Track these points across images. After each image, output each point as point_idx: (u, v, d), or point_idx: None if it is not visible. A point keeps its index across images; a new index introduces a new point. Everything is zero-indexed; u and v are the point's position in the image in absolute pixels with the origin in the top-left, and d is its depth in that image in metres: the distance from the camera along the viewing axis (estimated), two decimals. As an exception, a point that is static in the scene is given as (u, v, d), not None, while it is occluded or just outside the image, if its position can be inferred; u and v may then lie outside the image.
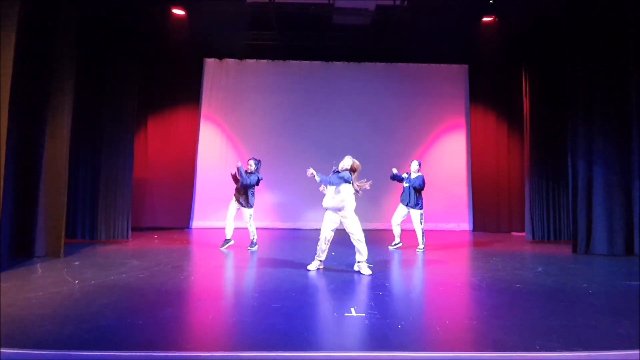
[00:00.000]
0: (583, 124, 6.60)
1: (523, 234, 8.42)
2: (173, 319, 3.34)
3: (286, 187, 9.53)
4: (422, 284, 4.99)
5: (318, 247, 5.17)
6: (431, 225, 9.24)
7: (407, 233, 7.30)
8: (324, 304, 3.93)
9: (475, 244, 7.74)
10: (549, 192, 7.99)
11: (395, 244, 6.99)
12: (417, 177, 6.84)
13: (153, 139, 9.10)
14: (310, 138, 9.60)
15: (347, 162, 5.10)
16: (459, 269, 5.67)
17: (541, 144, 7.94)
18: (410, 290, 4.62)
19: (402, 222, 7.00)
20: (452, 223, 9.66)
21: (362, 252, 5.02)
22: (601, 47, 6.52)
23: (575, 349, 2.76)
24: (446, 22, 8.13)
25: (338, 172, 5.08)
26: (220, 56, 9.71)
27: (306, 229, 9.17)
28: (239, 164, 6.42)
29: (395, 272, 5.44)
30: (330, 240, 5.16)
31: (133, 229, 7.45)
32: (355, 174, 5.09)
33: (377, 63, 9.90)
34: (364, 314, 3.46)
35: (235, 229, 6.60)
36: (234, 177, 6.53)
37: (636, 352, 2.73)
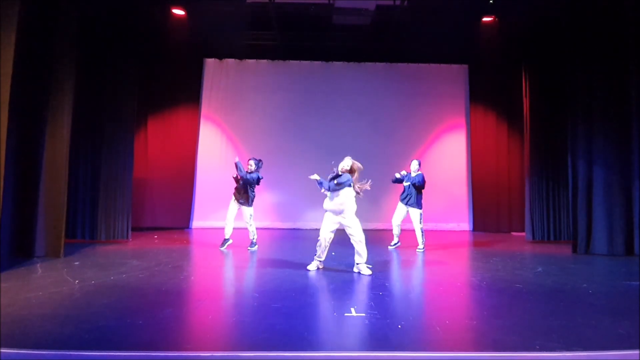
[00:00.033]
0: (583, 124, 6.59)
1: (523, 234, 8.42)
2: (173, 319, 3.34)
3: (286, 187, 9.53)
4: (422, 284, 4.99)
5: (317, 248, 5.17)
6: (431, 225, 9.25)
7: (407, 233, 7.30)
8: (324, 304, 3.93)
9: (475, 244, 7.74)
10: (549, 192, 7.99)
11: (394, 244, 7.00)
12: (417, 175, 6.85)
13: (153, 139, 9.09)
14: (310, 138, 9.60)
15: (346, 163, 5.09)
16: (459, 269, 5.67)
17: (541, 144, 7.94)
18: (410, 290, 4.62)
19: (402, 222, 7.01)
20: (452, 223, 9.66)
21: (361, 255, 5.02)
22: (601, 47, 6.52)
23: (575, 349, 2.76)
24: (446, 22, 8.12)
25: (339, 175, 5.05)
26: (220, 56, 9.70)
27: (306, 229, 9.16)
28: (237, 159, 6.42)
29: (395, 272, 5.45)
30: (330, 241, 5.16)
31: (133, 229, 7.45)
32: (356, 174, 5.08)
33: (377, 63, 9.90)
34: (364, 314, 3.46)
35: (235, 228, 6.60)
36: (236, 179, 6.52)
37: (636, 352, 2.73)
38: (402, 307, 3.87)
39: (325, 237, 5.09)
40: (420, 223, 6.80)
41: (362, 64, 9.89)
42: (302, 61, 9.86)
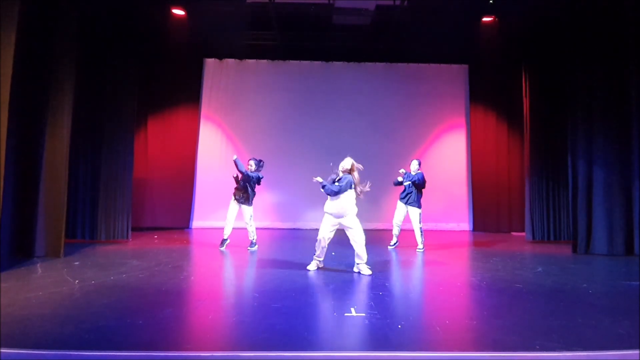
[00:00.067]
0: (583, 124, 6.60)
1: (523, 234, 8.42)
2: (173, 319, 3.34)
3: (286, 187, 9.53)
4: (422, 284, 4.99)
5: (316, 248, 5.16)
6: (431, 225, 9.25)
7: (407, 233, 7.30)
8: (324, 304, 3.93)
9: (475, 244, 7.74)
10: (549, 192, 7.99)
11: (393, 244, 7.01)
12: (417, 173, 6.85)
13: (153, 139, 9.09)
14: (310, 138, 9.60)
15: (347, 163, 5.08)
16: (459, 269, 5.67)
17: (541, 144, 7.94)
18: (410, 290, 4.63)
19: (402, 222, 7.01)
20: (452, 223, 9.66)
21: (361, 256, 5.02)
22: (601, 47, 6.52)
23: (575, 349, 2.76)
24: (446, 22, 8.12)
25: (340, 178, 5.03)
26: (220, 56, 9.70)
27: (306, 229, 9.16)
28: (235, 157, 6.41)
29: (395, 272, 5.45)
30: (329, 241, 5.16)
31: (133, 229, 7.45)
32: (357, 175, 5.06)
33: (377, 63, 9.90)
34: (364, 314, 3.46)
35: (235, 228, 6.60)
36: (235, 178, 6.52)
37: (636, 352, 2.73)
38: (402, 307, 3.88)
39: (325, 236, 5.09)
40: (420, 223, 6.80)
41: (362, 64, 9.89)
42: (302, 61, 9.86)
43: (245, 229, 6.61)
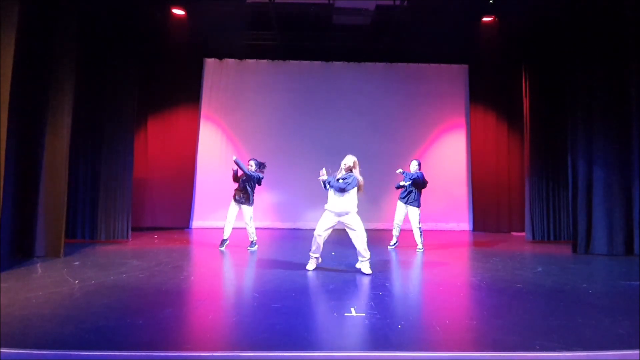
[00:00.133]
0: (583, 124, 6.60)
1: (523, 234, 8.43)
2: (173, 319, 3.34)
3: (286, 187, 9.53)
4: (422, 284, 4.99)
5: (313, 245, 5.14)
6: (431, 225, 9.26)
7: (407, 233, 7.30)
8: (324, 304, 3.93)
9: (475, 244, 7.74)
10: (549, 192, 7.99)
11: (393, 244, 7.01)
12: (416, 172, 6.85)
13: (153, 139, 9.09)
14: (310, 138, 9.60)
15: (349, 160, 5.04)
16: (459, 269, 5.67)
17: (541, 144, 7.94)
18: (410, 290, 4.63)
19: (402, 221, 7.01)
20: (452, 223, 9.66)
21: (364, 255, 5.03)
22: (601, 47, 6.52)
23: (575, 349, 2.77)
24: (446, 22, 8.12)
25: (344, 176, 5.01)
26: (220, 56, 9.70)
27: (306, 229, 9.15)
28: (235, 157, 6.40)
29: (395, 272, 5.45)
30: (326, 238, 5.14)
31: (133, 229, 7.45)
32: (359, 176, 5.05)
33: (377, 63, 9.90)
34: (364, 314, 3.46)
35: (235, 228, 6.59)
36: (234, 176, 6.52)
37: (636, 352, 2.73)
38: (402, 307, 3.88)
39: (321, 233, 5.07)
40: (419, 223, 6.80)
41: (362, 64, 9.89)
42: (302, 61, 9.86)
43: (245, 229, 6.61)
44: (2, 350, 2.56)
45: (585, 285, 4.55)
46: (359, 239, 5.02)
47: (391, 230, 7.17)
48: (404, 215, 6.97)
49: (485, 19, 8.20)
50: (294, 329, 3.10)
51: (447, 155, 9.81)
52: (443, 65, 9.91)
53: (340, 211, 5.01)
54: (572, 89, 6.77)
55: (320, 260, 5.22)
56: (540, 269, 5.36)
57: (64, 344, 2.75)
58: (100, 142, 7.01)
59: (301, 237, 8.16)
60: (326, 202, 5.13)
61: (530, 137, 7.97)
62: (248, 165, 6.49)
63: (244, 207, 6.49)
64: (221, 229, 6.68)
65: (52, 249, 5.59)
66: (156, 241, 7.26)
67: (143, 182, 8.75)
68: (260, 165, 6.54)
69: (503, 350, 2.75)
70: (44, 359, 2.59)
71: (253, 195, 6.53)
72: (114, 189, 7.03)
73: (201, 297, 4.14)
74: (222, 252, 6.40)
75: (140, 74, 7.54)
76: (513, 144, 9.43)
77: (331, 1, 7.82)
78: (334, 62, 9.88)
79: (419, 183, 6.81)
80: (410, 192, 6.85)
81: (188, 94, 9.47)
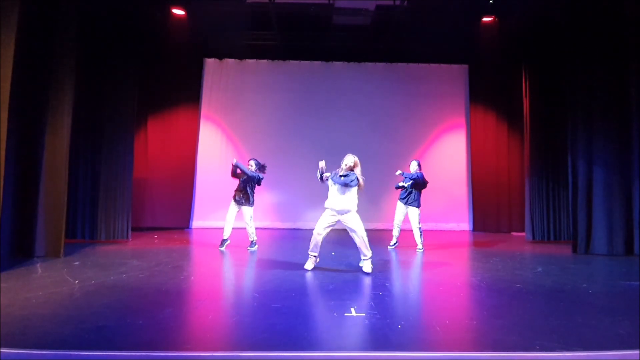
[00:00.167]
0: (583, 124, 6.59)
1: (523, 234, 8.43)
2: (173, 319, 3.33)
3: (286, 187, 9.54)
4: (422, 284, 4.98)
5: (311, 244, 5.14)
6: (431, 225, 9.26)
7: (407, 233, 7.30)
8: (324, 304, 3.93)
9: (475, 244, 7.74)
10: (549, 192, 7.99)
11: (393, 244, 7.01)
12: (416, 172, 6.85)
13: (153, 139, 9.09)
14: (310, 138, 9.60)
15: (350, 159, 5.04)
16: (459, 269, 5.66)
17: (541, 144, 7.94)
18: (410, 290, 4.62)
19: (402, 222, 7.02)
20: (452, 223, 9.66)
21: (365, 253, 5.04)
22: (601, 47, 6.52)
23: (575, 349, 2.76)
24: (446, 22, 8.13)
25: (346, 175, 5.00)
26: (220, 56, 9.71)
27: (306, 229, 9.15)
28: (234, 161, 6.40)
29: (395, 272, 5.44)
30: (324, 237, 5.14)
31: (133, 229, 7.45)
32: (360, 176, 5.05)
33: (377, 63, 9.90)
34: (364, 314, 3.46)
35: (235, 228, 6.59)
36: (233, 172, 6.50)
37: (636, 352, 2.73)
38: (402, 307, 3.87)
39: (321, 232, 5.08)
40: (418, 223, 6.80)
41: (362, 64, 9.89)
42: (302, 61, 9.86)
43: (245, 229, 6.61)
44: (2, 350, 2.56)
45: (585, 285, 4.55)
46: (359, 238, 5.02)
47: (391, 230, 7.17)
48: (403, 215, 6.97)
49: (485, 19, 8.21)
50: (294, 329, 3.10)
51: (447, 155, 9.81)
52: (443, 65, 9.91)
53: (341, 209, 5.00)
54: (572, 89, 6.76)
55: (318, 259, 5.22)
56: (540, 269, 5.36)
57: (64, 344, 2.74)
58: (100, 142, 7.01)
59: (301, 237, 8.15)
60: (326, 201, 5.13)
61: (530, 137, 7.97)
62: (248, 165, 6.49)
63: (244, 207, 6.48)
64: (221, 229, 6.67)
65: (52, 249, 5.59)
66: (156, 241, 7.26)
67: (143, 182, 8.75)
68: (261, 167, 6.55)
69: (503, 350, 2.75)
70: (44, 359, 2.59)
71: (253, 196, 6.53)
72: (114, 189, 7.03)
73: (201, 297, 4.13)
74: (222, 252, 6.40)
75: (140, 74, 7.54)
76: (513, 144, 9.43)
77: (331, 1, 7.82)
78: (334, 62, 9.88)
79: (419, 183, 6.81)
80: (410, 192, 6.85)
81: (188, 94, 9.47)
